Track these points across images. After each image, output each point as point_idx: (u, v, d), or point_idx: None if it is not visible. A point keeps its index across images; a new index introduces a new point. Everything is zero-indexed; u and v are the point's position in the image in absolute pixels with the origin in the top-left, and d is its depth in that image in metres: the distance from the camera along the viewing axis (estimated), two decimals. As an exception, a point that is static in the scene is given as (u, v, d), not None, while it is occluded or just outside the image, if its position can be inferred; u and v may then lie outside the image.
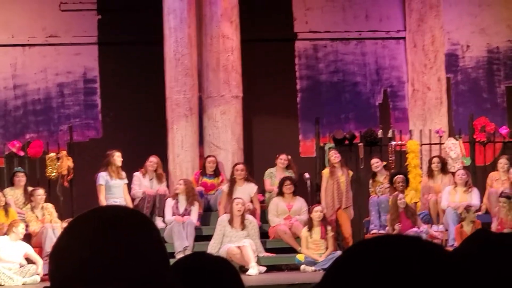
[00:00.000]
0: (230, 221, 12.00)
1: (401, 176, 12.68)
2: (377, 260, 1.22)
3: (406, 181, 12.74)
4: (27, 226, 12.15)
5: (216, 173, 12.91)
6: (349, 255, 1.26)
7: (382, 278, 1.21)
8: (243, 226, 11.99)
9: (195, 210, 12.42)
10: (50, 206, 12.39)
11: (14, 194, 12.51)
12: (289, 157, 13.18)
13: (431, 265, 1.22)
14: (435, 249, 1.25)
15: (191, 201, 12.39)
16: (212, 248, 11.85)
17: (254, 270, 11.53)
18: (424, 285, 1.21)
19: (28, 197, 12.38)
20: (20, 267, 11.45)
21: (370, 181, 13.13)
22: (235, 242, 11.87)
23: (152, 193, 12.69)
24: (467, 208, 12.00)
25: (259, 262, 11.85)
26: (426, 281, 1.22)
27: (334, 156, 12.99)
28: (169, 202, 12.46)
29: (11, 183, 12.68)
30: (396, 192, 12.41)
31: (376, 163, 13.00)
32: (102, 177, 12.68)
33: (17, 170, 12.76)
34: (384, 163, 13.16)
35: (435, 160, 13.11)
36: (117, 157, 12.68)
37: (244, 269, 11.31)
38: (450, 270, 1.24)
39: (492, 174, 13.16)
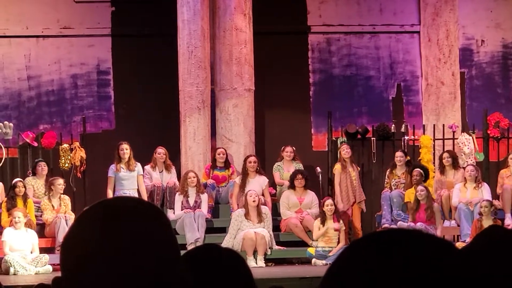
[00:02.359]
0: (246, 214, 12.02)
1: (417, 169, 12.65)
2: (379, 254, 1.22)
3: (426, 175, 12.73)
4: (41, 214, 12.28)
5: (226, 165, 12.94)
6: (351, 251, 1.26)
7: (384, 273, 1.21)
8: (260, 218, 12.01)
9: (205, 199, 12.47)
10: (67, 198, 12.51)
11: (35, 184, 12.65)
12: (294, 148, 13.18)
13: (433, 259, 1.22)
14: (438, 242, 1.24)
15: (200, 192, 12.44)
16: (227, 243, 11.86)
17: (260, 262, 11.70)
18: (427, 279, 1.20)
19: (49, 186, 12.48)
20: (32, 253, 11.56)
21: (387, 172, 13.08)
22: None
23: (161, 185, 12.73)
24: (488, 203, 11.90)
25: (266, 255, 11.92)
26: (429, 275, 1.21)
27: (345, 151, 13.00)
28: (178, 198, 12.49)
29: (33, 173, 12.79)
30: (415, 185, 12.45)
31: (400, 157, 12.96)
32: (111, 169, 12.76)
33: (39, 160, 12.88)
34: (408, 158, 13.10)
35: (445, 155, 13.07)
36: (121, 150, 12.73)
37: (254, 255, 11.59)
38: (454, 263, 1.23)
39: (502, 171, 13.10)
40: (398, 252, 1.23)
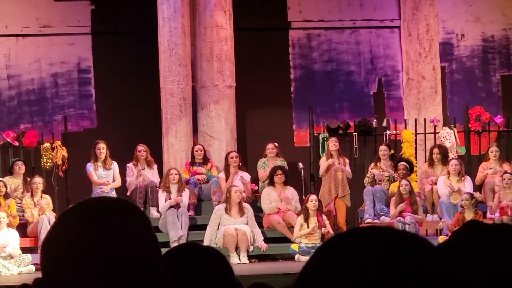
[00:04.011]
0: (227, 210, 12.04)
1: (403, 163, 12.70)
2: (349, 254, 1.22)
3: (411, 169, 12.78)
4: (23, 212, 12.21)
5: (205, 160, 12.97)
6: (323, 250, 1.26)
7: (360, 270, 1.21)
8: (241, 213, 12.04)
9: (186, 194, 12.49)
10: (48, 198, 12.44)
11: (13, 183, 12.55)
12: (276, 145, 13.19)
13: (411, 256, 1.22)
14: (415, 240, 1.25)
15: (182, 189, 12.46)
16: (208, 236, 11.90)
17: (243, 259, 11.71)
18: (404, 276, 1.21)
19: (27, 186, 12.41)
20: (14, 253, 11.49)
21: (371, 166, 13.08)
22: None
23: (143, 184, 12.74)
24: (469, 196, 11.96)
25: (249, 252, 11.94)
26: (406, 272, 1.21)
27: (333, 143, 13.01)
28: (162, 194, 12.50)
29: (10, 172, 12.71)
30: (399, 178, 12.50)
31: (384, 150, 12.99)
32: (90, 166, 12.78)
33: (16, 160, 12.79)
34: (392, 151, 13.14)
35: (435, 150, 13.10)
36: (97, 149, 12.76)
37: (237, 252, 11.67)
38: (431, 260, 1.24)
39: (484, 163, 13.16)
40: (375, 250, 1.23)
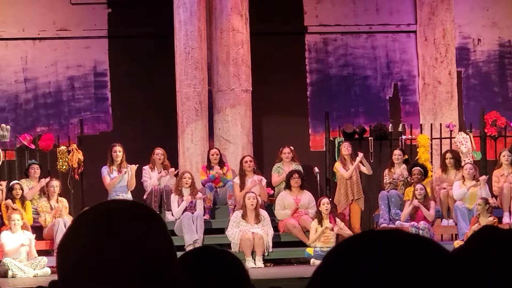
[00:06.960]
0: (244, 216, 12.04)
1: (418, 168, 12.68)
2: (360, 257, 1.22)
3: (425, 174, 12.76)
4: (38, 215, 12.26)
5: (221, 164, 12.96)
6: (335, 253, 1.26)
7: (365, 275, 1.21)
8: (257, 220, 12.04)
9: (200, 201, 12.47)
10: (65, 201, 12.47)
11: (29, 186, 12.60)
12: (292, 148, 13.18)
13: (424, 261, 1.21)
14: (429, 244, 1.24)
15: (195, 193, 12.44)
16: (231, 235, 11.91)
17: (259, 263, 11.70)
18: (418, 282, 1.20)
19: (43, 188, 12.46)
20: (29, 256, 11.54)
21: (386, 171, 13.08)
22: None
23: (158, 188, 12.74)
24: (483, 201, 11.92)
25: (264, 256, 11.93)
26: (409, 277, 1.21)
27: (345, 148, 13.04)
28: (174, 198, 12.49)
29: (26, 175, 12.76)
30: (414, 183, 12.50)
31: (398, 155, 12.99)
32: (104, 170, 12.78)
33: (32, 162, 12.84)
34: (406, 156, 13.13)
35: (448, 155, 13.08)
36: (114, 152, 12.76)
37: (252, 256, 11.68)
38: (447, 266, 1.23)
39: (496, 171, 13.08)
40: (386, 253, 1.23)
